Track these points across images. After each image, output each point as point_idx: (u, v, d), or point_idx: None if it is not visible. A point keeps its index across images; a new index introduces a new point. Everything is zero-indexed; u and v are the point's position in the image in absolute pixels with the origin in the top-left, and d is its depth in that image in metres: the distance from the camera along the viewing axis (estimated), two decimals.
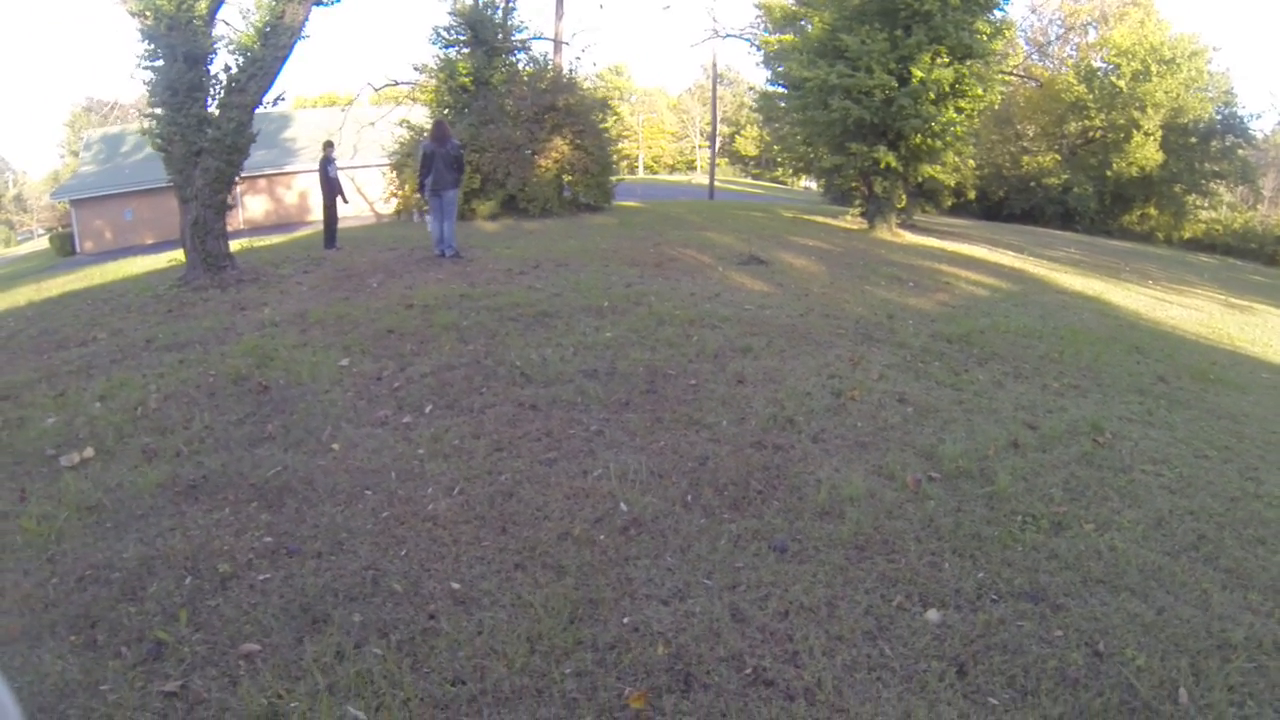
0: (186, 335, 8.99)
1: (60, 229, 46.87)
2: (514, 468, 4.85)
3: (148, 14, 11.64)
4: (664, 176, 75.81)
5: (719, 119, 50.48)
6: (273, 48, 12.26)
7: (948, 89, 19.36)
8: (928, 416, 5.87)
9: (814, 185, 57.12)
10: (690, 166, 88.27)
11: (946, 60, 19.18)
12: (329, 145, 16.37)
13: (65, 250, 38.73)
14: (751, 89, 63.28)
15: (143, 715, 2.97)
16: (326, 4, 12.92)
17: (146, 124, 12.80)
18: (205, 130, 12.18)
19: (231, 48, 12.38)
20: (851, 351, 7.60)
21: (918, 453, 5.09)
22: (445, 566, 3.82)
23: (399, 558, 3.94)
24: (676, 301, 9.27)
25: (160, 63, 11.97)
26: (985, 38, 19.87)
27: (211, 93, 12.35)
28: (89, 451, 5.71)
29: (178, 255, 17.88)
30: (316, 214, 37.18)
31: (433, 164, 13.09)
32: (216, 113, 12.33)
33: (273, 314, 9.69)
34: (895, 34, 19.19)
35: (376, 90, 28.25)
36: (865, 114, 19.43)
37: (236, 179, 12.98)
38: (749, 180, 75.94)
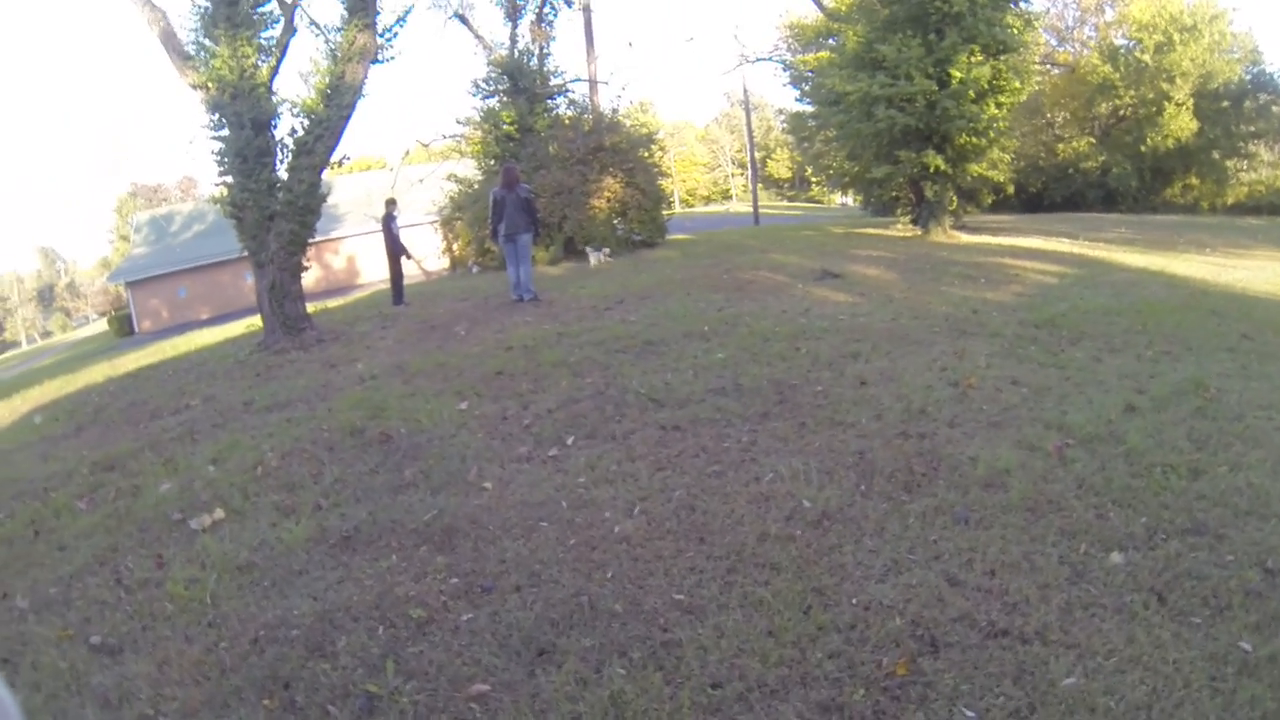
0: (285, 395, 9.16)
1: (114, 312, 48.59)
2: (684, 484, 5.03)
3: (210, 85, 12.04)
4: (701, 209, 76.05)
5: (749, 145, 50.87)
6: (337, 107, 12.69)
7: (986, 86, 19.74)
8: (1043, 394, 6.22)
9: (850, 200, 57.42)
10: (726, 196, 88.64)
11: (981, 58, 19.54)
12: (391, 203, 16.88)
13: (124, 331, 40.25)
14: (780, 113, 63.77)
15: None
16: (382, 61, 13.41)
17: (216, 193, 13.24)
18: (276, 194, 12.50)
19: (295, 111, 12.76)
20: (952, 346, 7.98)
21: (1047, 425, 5.43)
22: (659, 581, 3.92)
23: (606, 580, 4.01)
24: (772, 320, 9.64)
25: (226, 131, 12.31)
26: (1016, 31, 20.28)
27: (280, 156, 12.67)
28: (219, 513, 5.71)
29: (240, 326, 18.54)
30: (366, 277, 38.34)
31: (504, 210, 13.32)
32: (285, 176, 12.66)
33: (367, 368, 9.87)
34: (929, 38, 19.63)
35: (425, 145, 29.01)
36: (911, 120, 19.82)
37: (310, 240, 13.24)
38: (785, 203, 76.15)
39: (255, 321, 17.86)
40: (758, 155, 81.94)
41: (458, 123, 26.97)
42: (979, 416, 5.70)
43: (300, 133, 12.67)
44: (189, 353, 15.38)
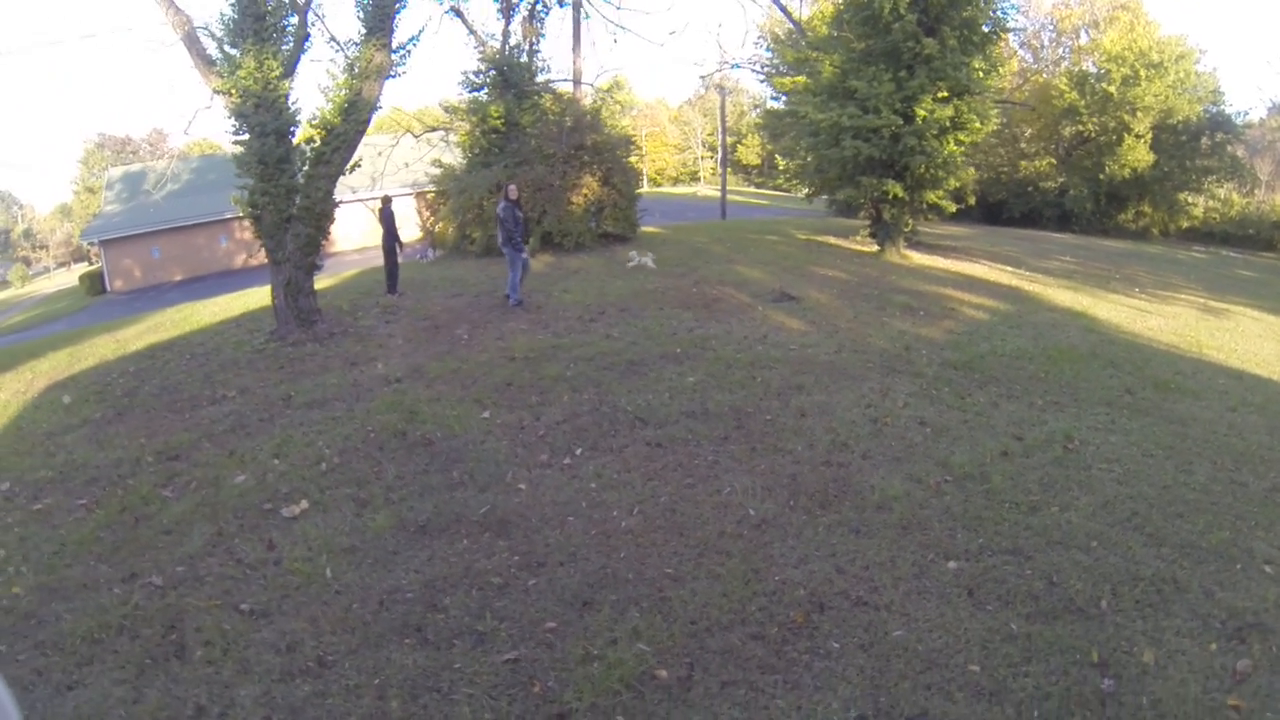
0: (320, 393, 10.08)
1: (73, 263, 47.46)
2: (667, 491, 6.66)
3: (234, 92, 12.67)
4: (668, 189, 76.08)
5: (720, 130, 51.99)
6: (354, 122, 13.54)
7: (948, 124, 21.14)
8: (941, 435, 7.90)
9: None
10: (694, 178, 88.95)
11: (946, 96, 20.96)
12: (388, 200, 18.12)
13: (95, 290, 40.11)
14: (756, 107, 64.44)
15: (490, 679, 4.44)
16: (395, 76, 14.20)
17: (234, 195, 13.68)
18: (293, 199, 13.23)
19: (314, 122, 13.49)
20: (880, 383, 9.65)
21: (936, 462, 7.14)
22: (654, 560, 5.60)
23: (620, 559, 5.64)
24: (734, 345, 11.28)
25: (247, 137, 12.92)
26: (981, 74, 21.60)
27: (298, 164, 13.33)
28: (304, 504, 6.82)
29: (229, 304, 18.98)
30: (340, 245, 38.87)
31: (517, 223, 14.63)
32: (303, 183, 13.36)
33: (389, 370, 10.90)
34: (900, 75, 20.97)
35: (416, 137, 29.91)
36: (875, 151, 21.24)
37: (324, 241, 14.00)
38: (752, 190, 76.63)
39: (243, 298, 18.95)
40: (729, 140, 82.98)
41: (445, 110, 27.83)
42: (887, 450, 7.43)
43: (317, 143, 13.44)
44: (194, 332, 15.92)
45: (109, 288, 39.79)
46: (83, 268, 57.65)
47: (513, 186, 15.18)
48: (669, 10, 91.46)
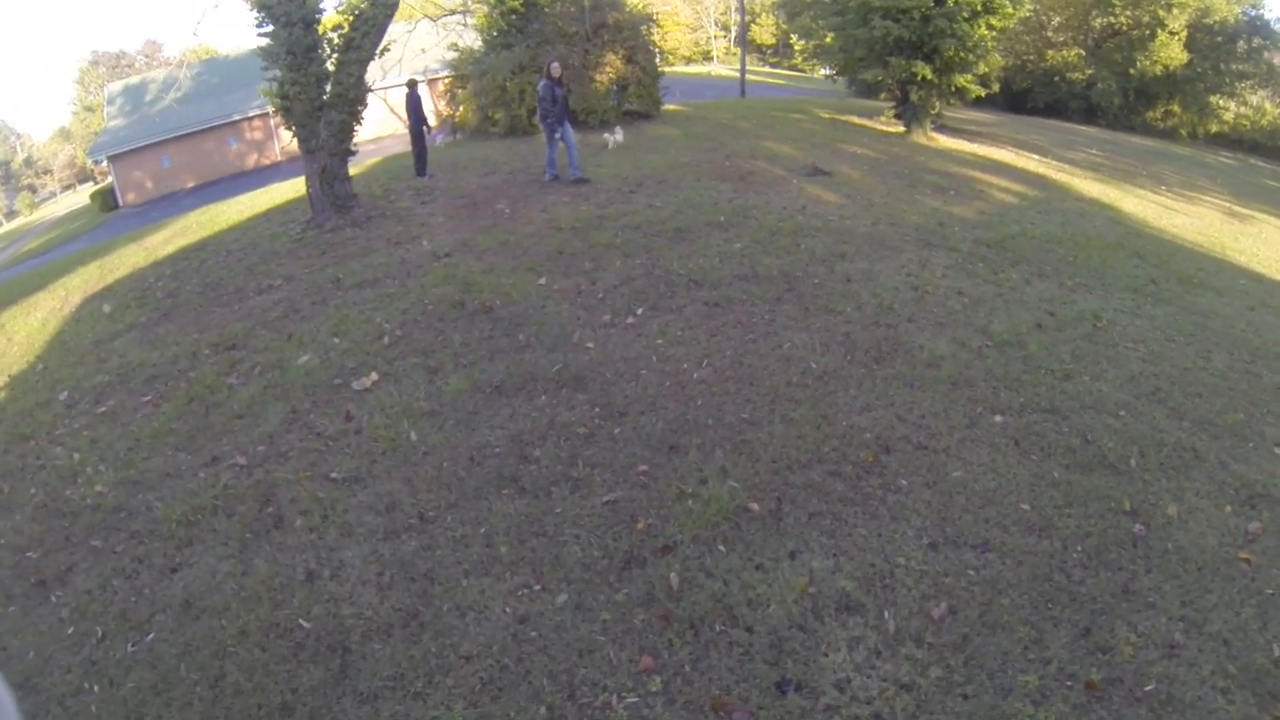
0: (369, 274, 10.04)
1: (79, 184, 46.63)
2: (731, 346, 7.00)
3: None
4: (682, 69, 75.14)
5: (734, 8, 50.61)
6: (381, 5, 13.21)
7: (979, 7, 21.03)
8: (979, 305, 8.30)
9: (831, 73, 57.40)
10: (707, 57, 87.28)
11: None
12: (414, 83, 18.03)
13: (108, 205, 39.92)
14: None
15: (592, 520, 4.74)
16: None
17: (263, 87, 13.63)
18: (323, 87, 13.11)
19: (340, 8, 13.30)
20: (917, 255, 10.02)
21: (976, 329, 7.57)
22: (731, 407, 5.97)
23: (698, 407, 5.98)
24: (775, 214, 11.58)
25: (272, 28, 12.75)
26: None
27: (326, 51, 13.20)
28: (374, 376, 6.98)
29: (253, 201, 18.85)
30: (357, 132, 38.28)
31: (555, 101, 14.45)
32: (332, 69, 13.23)
33: (434, 247, 10.90)
34: None
35: (435, 21, 29.37)
36: (904, 32, 21.19)
37: (357, 126, 13.87)
38: (768, 70, 75.51)
39: (267, 194, 18.91)
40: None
41: None
42: (930, 316, 7.86)
43: (345, 29, 13.21)
44: (224, 230, 15.88)
45: (121, 202, 39.66)
46: (89, 188, 57.32)
47: (556, 64, 15.00)
48: None
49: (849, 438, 5.55)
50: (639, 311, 7.98)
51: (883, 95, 26.84)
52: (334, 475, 5.56)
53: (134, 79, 50.19)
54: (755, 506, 4.79)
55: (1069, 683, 3.54)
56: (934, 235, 11.27)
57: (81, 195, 61.54)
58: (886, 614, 3.94)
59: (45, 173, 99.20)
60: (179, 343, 8.94)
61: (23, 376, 9.48)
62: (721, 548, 4.46)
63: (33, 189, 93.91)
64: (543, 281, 9.04)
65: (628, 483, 5.12)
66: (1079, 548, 4.45)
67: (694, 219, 11.31)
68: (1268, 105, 43.23)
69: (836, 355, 6.84)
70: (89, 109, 78.07)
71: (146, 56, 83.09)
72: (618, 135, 19.60)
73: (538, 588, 4.26)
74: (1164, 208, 17.22)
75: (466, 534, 4.75)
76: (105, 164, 41.16)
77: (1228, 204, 19.54)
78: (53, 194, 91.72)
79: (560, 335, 7.48)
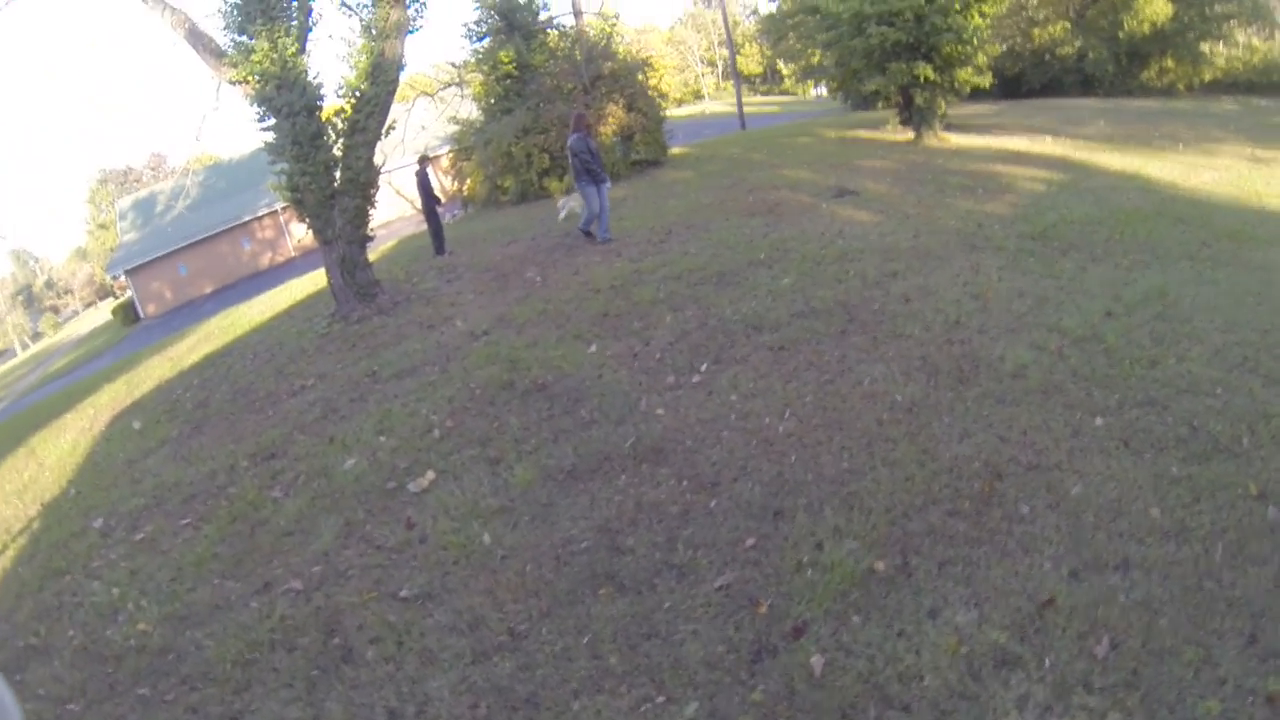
0: (405, 362, 9.72)
1: (99, 300, 48.02)
2: (810, 391, 6.70)
3: (251, 79, 12.47)
4: (675, 111, 75.53)
5: (717, 44, 51.38)
6: (383, 83, 13.22)
7: None
8: (1044, 303, 8.18)
9: (823, 92, 57.89)
10: (697, 96, 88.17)
11: None
12: (424, 160, 18.24)
13: (129, 319, 40.88)
14: (751, 13, 63.47)
15: (707, 610, 4.31)
16: (414, 31, 13.94)
17: (271, 182, 13.49)
18: (333, 174, 12.94)
19: (340, 92, 13.26)
20: (967, 261, 9.93)
21: (1049, 329, 7.43)
22: (827, 458, 5.62)
23: (791, 463, 5.63)
24: (814, 243, 11.45)
25: (274, 121, 12.69)
26: None
27: (332, 137, 13.06)
28: (430, 475, 6.54)
29: (273, 301, 18.80)
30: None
31: (593, 153, 13.80)
32: (340, 155, 13.07)
33: (470, 326, 10.53)
34: None
35: (432, 97, 29.86)
36: (901, 35, 21.15)
37: (372, 210, 13.68)
38: (759, 99, 76.08)
39: (287, 291, 18.81)
40: (728, 54, 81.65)
41: (453, 66, 27.85)
42: (999, 323, 7.74)
43: (347, 112, 13.17)
44: (247, 333, 15.56)
45: (143, 314, 40.59)
46: (110, 303, 58.80)
47: (582, 114, 14.72)
48: None
49: (957, 470, 5.30)
50: (703, 368, 7.65)
51: (881, 105, 26.74)
52: (403, 594, 5.10)
53: (143, 192, 51.82)
54: (880, 565, 4.46)
55: (1249, 699, 3.34)
56: (976, 237, 11.18)
57: (103, 311, 63.21)
58: (1047, 661, 3.68)
59: (66, 292, 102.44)
60: (214, 456, 8.59)
61: (55, 504, 9.15)
62: (856, 618, 4.11)
63: (55, 310, 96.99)
64: (593, 349, 8.66)
65: (737, 561, 4.71)
66: (1219, 546, 4.27)
67: (734, 260, 11.13)
68: (1255, 41, 42.89)
69: (919, 383, 6.68)
70: (103, 226, 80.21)
71: (153, 169, 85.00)
72: (572, 203, 18.04)
73: (661, 699, 3.84)
74: (1189, 166, 17.03)
75: (568, 646, 4.29)
76: (123, 278, 41.99)
77: (1249, 150, 19.22)
78: (75, 312, 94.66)
79: (626, 405, 7.09)
